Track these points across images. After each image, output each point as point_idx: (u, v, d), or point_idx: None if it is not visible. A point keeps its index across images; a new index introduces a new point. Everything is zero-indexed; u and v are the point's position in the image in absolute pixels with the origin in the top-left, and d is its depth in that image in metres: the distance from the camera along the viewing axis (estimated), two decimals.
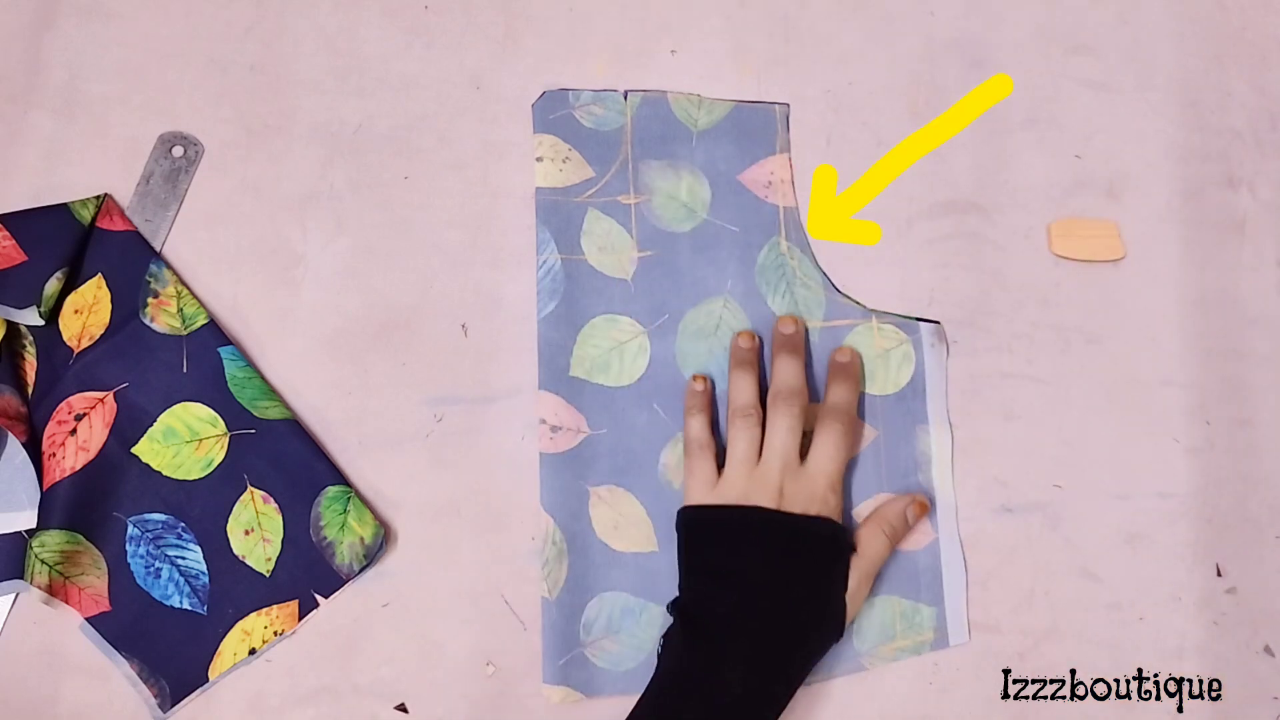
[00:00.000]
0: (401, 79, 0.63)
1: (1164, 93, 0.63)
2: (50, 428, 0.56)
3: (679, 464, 0.58)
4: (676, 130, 0.62)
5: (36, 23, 0.64)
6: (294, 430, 0.57)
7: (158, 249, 0.60)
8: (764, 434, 0.56)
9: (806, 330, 0.59)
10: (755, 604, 0.52)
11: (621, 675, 0.56)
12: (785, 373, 0.57)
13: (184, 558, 0.56)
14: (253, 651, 0.55)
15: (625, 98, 0.63)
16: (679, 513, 0.56)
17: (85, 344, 0.58)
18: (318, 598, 0.56)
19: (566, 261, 0.60)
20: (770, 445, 0.55)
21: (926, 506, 0.57)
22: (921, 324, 0.59)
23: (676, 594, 0.55)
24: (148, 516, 0.56)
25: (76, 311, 0.58)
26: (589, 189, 0.61)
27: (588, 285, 0.60)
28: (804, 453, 0.56)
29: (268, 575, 0.56)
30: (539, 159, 0.61)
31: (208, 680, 0.55)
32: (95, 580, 0.56)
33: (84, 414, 0.57)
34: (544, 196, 0.61)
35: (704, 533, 0.55)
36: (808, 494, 0.54)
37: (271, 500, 0.57)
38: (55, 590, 0.55)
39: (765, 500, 0.54)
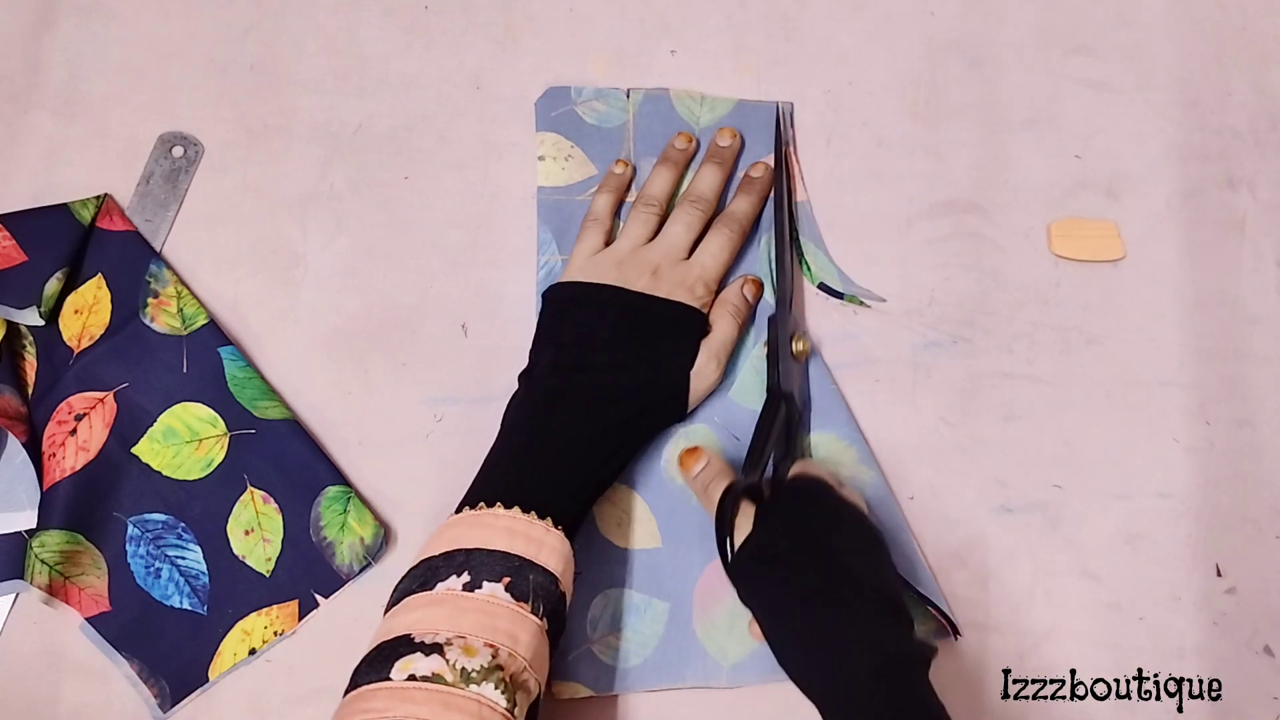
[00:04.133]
0: (401, 79, 0.63)
1: (1164, 93, 0.63)
2: (50, 428, 0.56)
3: None
4: (679, 127, 0.62)
5: (36, 23, 0.64)
6: (294, 430, 0.57)
7: (158, 249, 0.60)
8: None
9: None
10: (595, 367, 0.54)
11: (628, 671, 0.55)
12: (703, 180, 0.59)
13: (184, 558, 0.56)
14: (253, 651, 0.55)
15: (628, 95, 0.63)
16: (546, 289, 0.57)
17: (85, 344, 0.58)
18: (318, 598, 0.56)
19: (567, 261, 0.60)
20: (664, 234, 0.58)
21: (758, 282, 0.59)
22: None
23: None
24: (148, 516, 0.56)
25: (76, 311, 0.58)
26: (592, 187, 0.61)
27: None
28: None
29: (268, 575, 0.56)
30: (541, 158, 0.61)
31: (208, 680, 0.55)
32: (95, 580, 0.55)
33: (84, 414, 0.57)
34: (546, 196, 0.61)
35: (560, 307, 0.56)
36: (679, 280, 0.56)
37: (271, 500, 0.57)
38: (55, 590, 0.55)
39: (638, 279, 0.56)
